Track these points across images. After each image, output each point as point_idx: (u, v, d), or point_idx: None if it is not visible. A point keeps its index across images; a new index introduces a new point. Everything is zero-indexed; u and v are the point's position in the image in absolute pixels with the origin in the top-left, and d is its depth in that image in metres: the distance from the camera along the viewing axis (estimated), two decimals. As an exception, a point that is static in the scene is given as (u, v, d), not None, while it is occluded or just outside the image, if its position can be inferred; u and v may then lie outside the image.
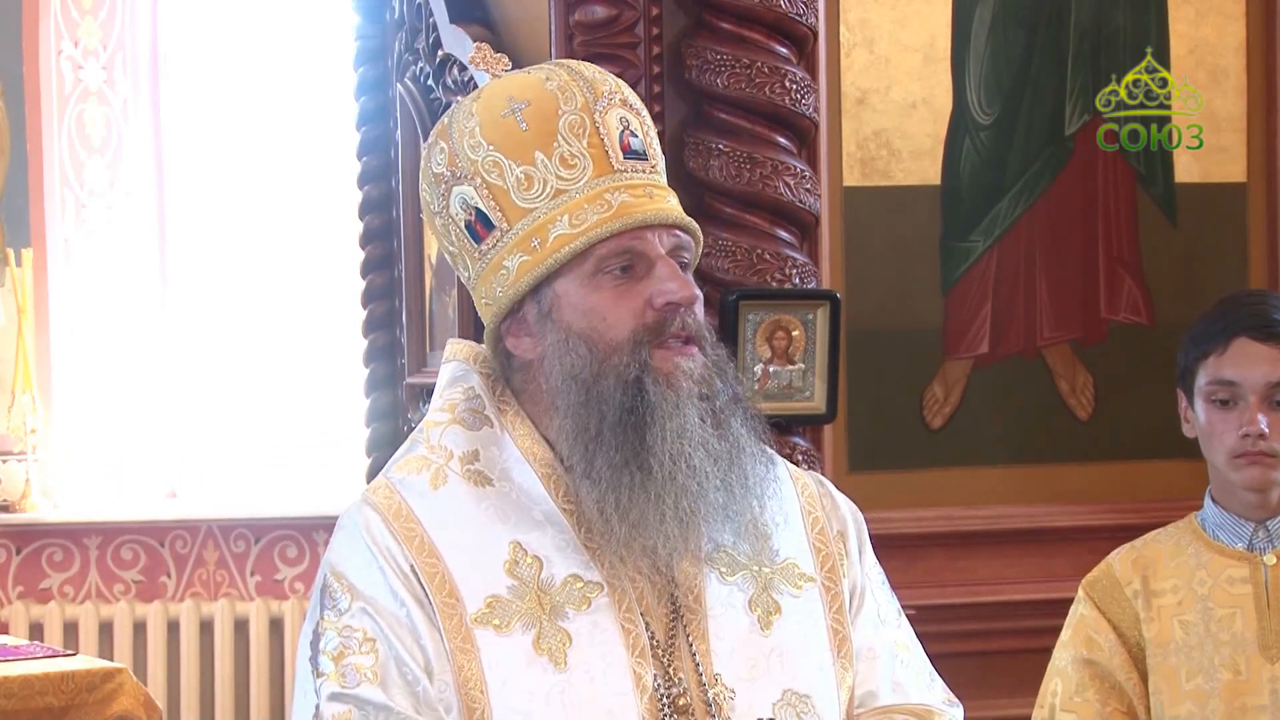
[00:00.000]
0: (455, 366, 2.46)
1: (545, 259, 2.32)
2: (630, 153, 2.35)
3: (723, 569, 2.37)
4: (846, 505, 2.54)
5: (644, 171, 2.35)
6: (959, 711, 2.53)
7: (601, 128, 2.33)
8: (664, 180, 2.39)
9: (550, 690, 2.28)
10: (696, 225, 2.38)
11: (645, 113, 2.40)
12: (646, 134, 2.38)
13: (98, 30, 7.67)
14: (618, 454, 2.29)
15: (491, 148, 2.34)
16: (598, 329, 2.31)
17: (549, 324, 2.34)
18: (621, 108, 2.36)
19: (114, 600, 7.53)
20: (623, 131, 2.35)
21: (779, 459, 2.53)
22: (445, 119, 2.41)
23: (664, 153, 2.45)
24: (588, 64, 2.41)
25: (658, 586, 2.34)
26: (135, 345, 7.67)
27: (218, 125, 7.86)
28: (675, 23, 4.35)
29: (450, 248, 2.42)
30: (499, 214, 2.35)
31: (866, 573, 2.51)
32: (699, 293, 2.36)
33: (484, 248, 2.37)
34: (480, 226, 2.36)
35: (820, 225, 4.43)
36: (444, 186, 2.39)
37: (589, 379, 2.30)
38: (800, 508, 2.48)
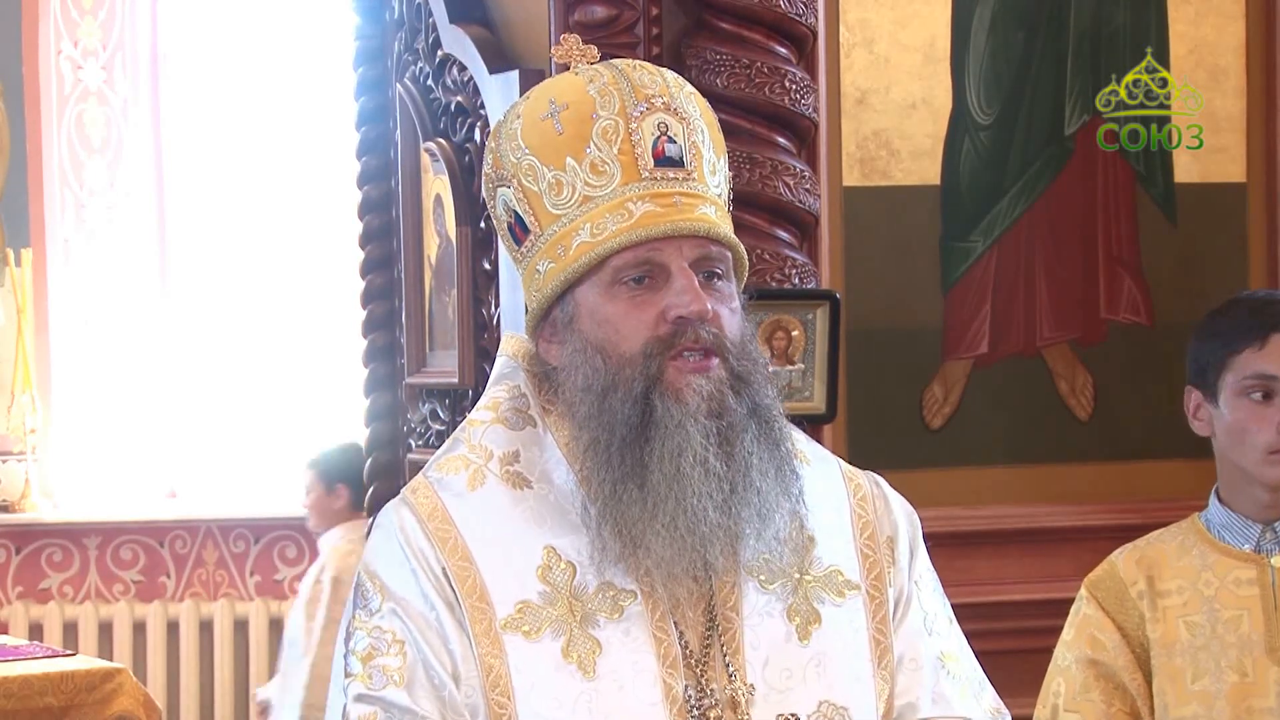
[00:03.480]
0: (504, 362, 2.44)
1: (566, 267, 2.30)
2: (663, 160, 2.31)
3: (761, 577, 2.34)
4: (901, 507, 2.50)
5: (678, 180, 2.31)
6: None
7: (635, 134, 2.30)
8: (706, 188, 2.34)
9: (578, 698, 2.26)
10: (729, 234, 2.34)
11: (696, 118, 2.35)
12: (690, 140, 2.33)
13: (97, 30, 7.67)
14: (619, 469, 2.27)
15: (528, 151, 2.33)
16: (612, 340, 2.29)
17: (570, 332, 2.32)
18: (663, 112, 2.32)
19: (113, 600, 7.53)
20: (658, 138, 2.31)
21: (832, 458, 2.51)
22: (502, 117, 2.39)
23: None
24: (646, 65, 2.38)
25: (694, 595, 2.31)
26: (135, 345, 7.68)
27: (217, 125, 7.86)
28: (675, 23, 4.35)
29: (505, 246, 2.43)
30: (532, 218, 2.34)
31: (916, 579, 2.46)
32: (735, 305, 2.32)
33: (523, 250, 2.37)
34: (519, 230, 2.36)
35: (820, 225, 4.42)
36: (491, 187, 2.39)
37: (600, 391, 2.29)
38: (850, 511, 2.45)
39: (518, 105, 2.37)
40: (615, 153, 2.30)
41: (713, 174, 2.37)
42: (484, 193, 2.42)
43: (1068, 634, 3.35)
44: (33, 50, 7.57)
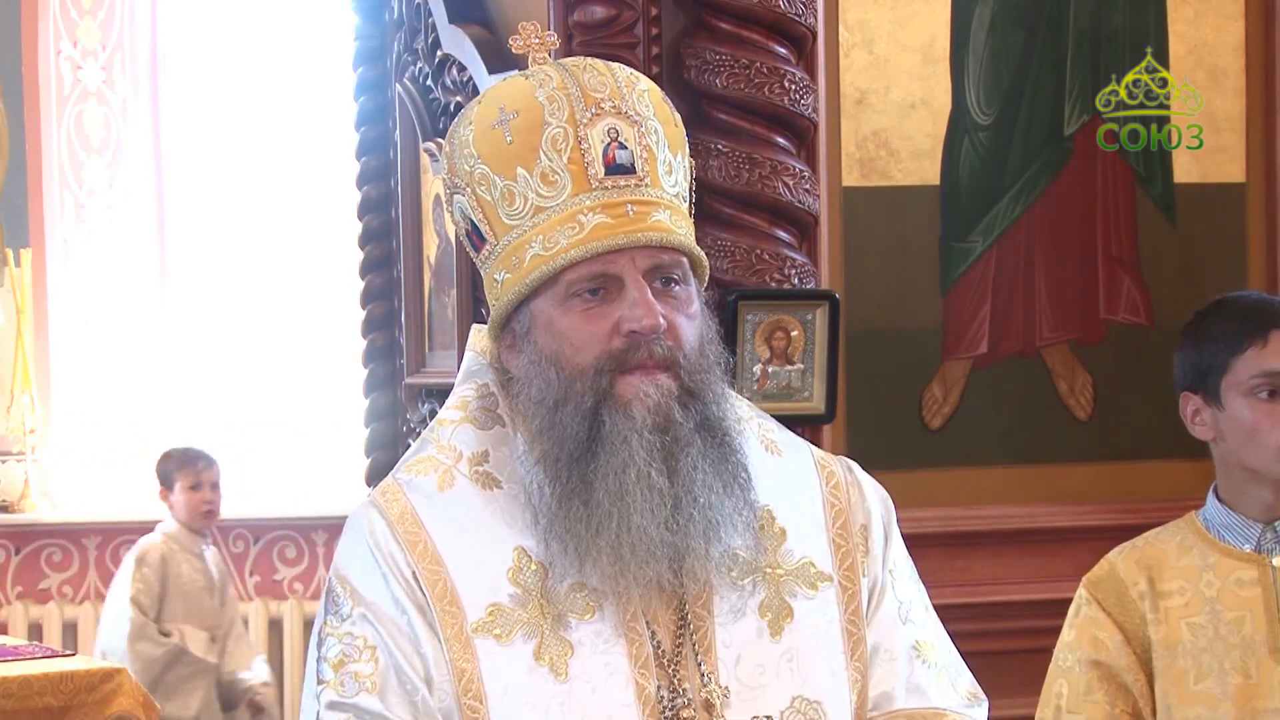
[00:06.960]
0: (473, 358, 2.42)
1: (520, 280, 2.28)
2: (614, 167, 2.26)
3: (734, 574, 2.32)
4: (875, 493, 2.47)
5: (629, 187, 2.26)
6: (980, 710, 2.47)
7: (584, 142, 2.26)
8: (661, 192, 2.29)
9: (550, 701, 2.24)
10: (683, 241, 2.29)
11: (649, 118, 2.31)
12: (641, 144, 2.28)
13: (97, 30, 7.67)
14: (566, 484, 2.25)
15: (480, 160, 2.29)
16: (565, 353, 2.26)
17: (527, 343, 2.30)
18: (613, 116, 2.28)
19: (113, 600, 7.52)
20: (608, 145, 2.27)
21: (805, 446, 2.48)
22: (454, 122, 2.36)
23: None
24: (596, 64, 2.33)
25: (666, 594, 2.29)
26: (134, 345, 7.68)
27: (217, 125, 7.87)
28: (674, 23, 4.35)
29: (467, 250, 2.41)
30: (488, 227, 2.31)
31: (891, 567, 2.45)
32: (693, 310, 2.28)
33: (481, 258, 2.35)
34: (475, 238, 2.34)
35: (819, 225, 4.43)
36: (447, 193, 2.37)
37: (552, 405, 2.27)
38: (823, 500, 2.42)
39: (470, 111, 2.33)
40: (565, 162, 2.26)
41: (668, 174, 2.31)
42: (442, 197, 2.41)
43: (1068, 634, 3.33)
44: (32, 50, 7.58)
